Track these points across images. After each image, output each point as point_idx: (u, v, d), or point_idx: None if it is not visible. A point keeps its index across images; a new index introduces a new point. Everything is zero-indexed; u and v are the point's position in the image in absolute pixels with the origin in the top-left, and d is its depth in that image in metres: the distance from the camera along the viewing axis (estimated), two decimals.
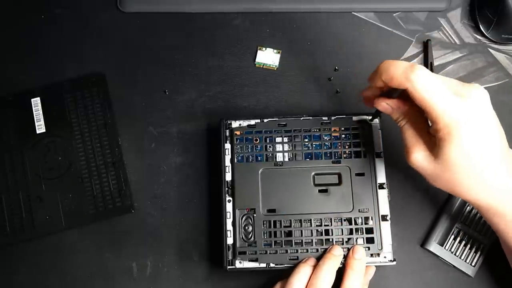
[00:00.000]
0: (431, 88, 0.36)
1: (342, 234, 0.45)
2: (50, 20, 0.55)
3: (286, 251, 0.45)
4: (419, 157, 0.39)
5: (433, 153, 0.38)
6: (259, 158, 0.47)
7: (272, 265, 0.44)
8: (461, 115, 0.35)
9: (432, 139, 0.38)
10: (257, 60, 0.53)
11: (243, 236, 0.45)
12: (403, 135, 0.40)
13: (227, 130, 0.48)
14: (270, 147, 0.47)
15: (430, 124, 0.38)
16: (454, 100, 0.36)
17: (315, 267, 0.43)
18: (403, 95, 0.39)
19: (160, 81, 0.53)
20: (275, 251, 0.44)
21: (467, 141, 0.36)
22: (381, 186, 0.45)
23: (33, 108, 0.52)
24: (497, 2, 0.52)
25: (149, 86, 0.53)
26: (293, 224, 0.45)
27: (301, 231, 0.45)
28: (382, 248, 0.44)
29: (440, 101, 0.35)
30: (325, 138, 0.47)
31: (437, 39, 0.54)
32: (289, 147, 0.47)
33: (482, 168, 0.37)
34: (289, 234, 0.45)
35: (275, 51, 0.53)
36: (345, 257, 0.44)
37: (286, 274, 0.43)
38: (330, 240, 0.44)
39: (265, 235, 0.45)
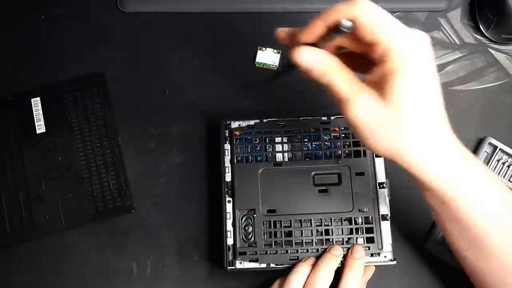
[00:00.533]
0: (382, 15, 0.32)
1: (342, 234, 0.45)
2: (50, 20, 0.55)
3: (287, 251, 0.45)
4: (365, 102, 0.32)
5: (381, 95, 0.32)
6: (258, 158, 0.47)
7: (272, 265, 0.44)
8: (415, 47, 0.32)
9: (372, 84, 0.33)
10: (257, 60, 0.53)
11: (243, 237, 0.45)
12: (336, 86, 0.33)
13: (227, 131, 0.48)
14: (269, 147, 0.47)
15: (375, 59, 0.33)
16: (410, 33, 0.32)
17: (314, 266, 0.43)
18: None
19: (160, 81, 0.53)
20: (276, 252, 0.44)
21: (422, 77, 0.32)
22: (381, 186, 0.45)
23: (33, 108, 0.52)
24: (497, 2, 0.52)
25: (149, 86, 0.53)
26: (293, 224, 0.45)
27: (301, 231, 0.45)
28: (382, 247, 0.44)
29: (393, 28, 0.31)
30: (325, 138, 0.47)
31: (437, 39, 0.54)
32: (288, 147, 0.47)
33: (439, 116, 0.33)
34: (289, 234, 0.45)
35: (275, 51, 0.53)
36: (345, 256, 0.44)
37: (286, 273, 0.43)
38: (330, 240, 0.44)
39: (265, 235, 0.45)
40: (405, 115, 0.32)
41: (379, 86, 0.32)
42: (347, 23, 0.31)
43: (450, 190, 0.35)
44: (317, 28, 0.33)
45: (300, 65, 0.34)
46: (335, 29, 0.32)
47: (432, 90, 0.33)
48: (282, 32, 0.36)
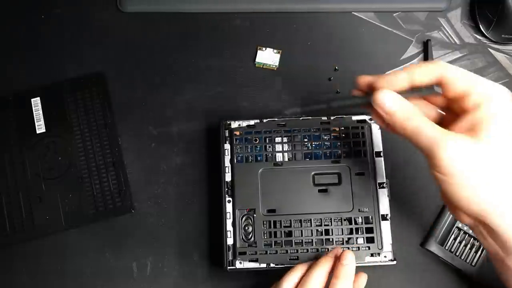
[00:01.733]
0: (466, 71, 0.33)
1: (342, 234, 0.45)
2: (50, 20, 0.55)
3: (286, 251, 0.45)
4: (461, 144, 0.31)
5: (477, 141, 0.31)
6: (258, 158, 0.47)
7: (272, 265, 0.44)
8: (503, 97, 0.32)
9: (463, 131, 0.32)
10: (257, 60, 0.53)
11: (243, 237, 0.45)
12: (423, 128, 0.32)
13: (227, 131, 0.48)
14: (269, 147, 0.47)
15: (464, 108, 0.33)
16: (492, 83, 0.33)
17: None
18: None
19: (159, 81, 0.53)
20: (275, 251, 0.44)
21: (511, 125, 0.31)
22: (381, 186, 0.45)
23: (33, 108, 0.52)
24: (497, 2, 0.52)
25: (149, 86, 0.53)
26: (293, 224, 0.45)
27: (301, 231, 0.45)
28: (382, 247, 0.44)
29: (481, 80, 0.33)
30: (325, 138, 0.47)
31: (437, 39, 0.54)
32: (288, 147, 0.47)
33: None
34: (289, 234, 0.45)
35: (275, 51, 0.53)
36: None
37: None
38: (330, 240, 0.44)
39: (265, 235, 0.45)
40: (501, 152, 0.31)
41: (472, 132, 0.32)
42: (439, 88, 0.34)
43: None
44: (402, 82, 0.34)
45: (382, 108, 0.34)
46: (426, 87, 0.34)
47: None
48: (364, 79, 0.37)
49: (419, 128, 0.33)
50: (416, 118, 0.33)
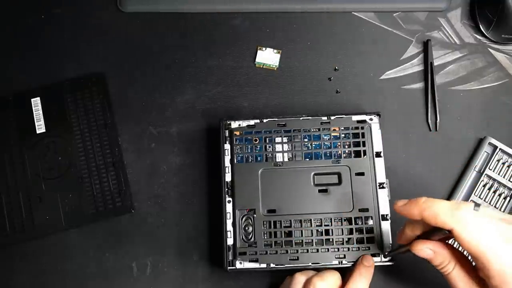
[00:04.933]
0: (480, 232, 0.33)
1: (342, 234, 0.45)
2: (50, 20, 0.55)
3: (287, 251, 0.44)
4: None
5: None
6: (258, 158, 0.47)
7: (272, 265, 0.44)
8: None
9: (486, 285, 0.35)
10: (257, 60, 0.53)
11: (243, 237, 0.45)
12: (453, 282, 0.36)
13: (227, 131, 0.48)
14: (269, 147, 0.47)
15: (479, 270, 0.35)
16: (505, 247, 0.32)
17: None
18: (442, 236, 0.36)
19: (159, 81, 0.53)
20: (276, 252, 0.44)
21: None
22: (381, 186, 0.45)
23: (33, 108, 0.52)
24: (497, 2, 0.52)
25: (149, 86, 0.53)
26: (293, 224, 0.45)
27: (301, 231, 0.45)
28: (382, 247, 0.44)
29: (490, 248, 0.32)
30: (325, 138, 0.47)
31: (437, 39, 0.54)
32: (288, 147, 0.47)
33: None
34: (289, 234, 0.45)
35: (275, 51, 0.53)
36: (355, 263, 0.43)
37: (286, 273, 0.43)
38: (330, 240, 0.44)
39: (265, 235, 0.45)
40: None
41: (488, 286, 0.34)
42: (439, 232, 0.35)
43: None
44: (416, 228, 0.38)
45: (421, 256, 0.37)
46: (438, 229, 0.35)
47: None
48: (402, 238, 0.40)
49: (450, 276, 0.37)
50: (446, 267, 0.37)
